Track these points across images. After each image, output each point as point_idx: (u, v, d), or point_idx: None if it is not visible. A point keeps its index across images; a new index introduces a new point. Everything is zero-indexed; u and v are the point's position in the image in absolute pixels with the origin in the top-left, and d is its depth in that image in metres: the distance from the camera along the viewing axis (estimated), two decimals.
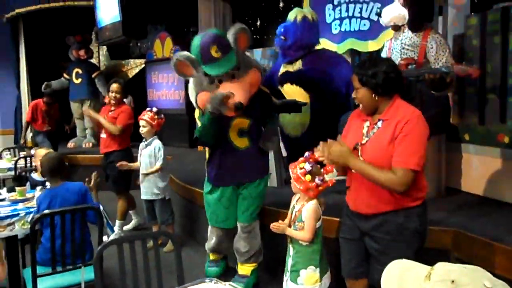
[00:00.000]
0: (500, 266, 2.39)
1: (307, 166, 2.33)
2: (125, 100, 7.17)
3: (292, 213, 2.48)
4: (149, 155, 3.80)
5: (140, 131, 3.83)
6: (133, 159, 4.19)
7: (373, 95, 1.99)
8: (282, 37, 4.05)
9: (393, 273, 1.04)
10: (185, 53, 2.67)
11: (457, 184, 3.65)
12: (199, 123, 2.91)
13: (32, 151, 4.55)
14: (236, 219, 3.07)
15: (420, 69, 3.18)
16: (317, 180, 2.32)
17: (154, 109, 3.86)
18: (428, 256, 2.34)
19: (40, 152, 3.65)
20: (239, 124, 2.85)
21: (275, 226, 2.44)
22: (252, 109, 2.79)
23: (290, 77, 3.90)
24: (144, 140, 3.86)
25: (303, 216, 2.37)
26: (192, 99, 2.81)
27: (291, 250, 2.45)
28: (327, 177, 2.35)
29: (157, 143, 3.81)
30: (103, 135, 4.22)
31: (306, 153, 2.37)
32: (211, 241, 3.18)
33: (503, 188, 3.24)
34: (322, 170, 2.36)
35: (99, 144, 4.16)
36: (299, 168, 2.35)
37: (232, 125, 2.83)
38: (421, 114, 1.96)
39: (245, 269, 3.08)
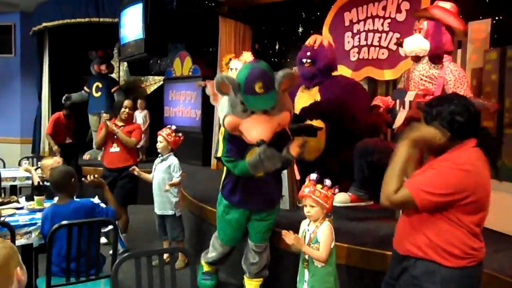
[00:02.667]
0: None
1: (328, 182, 2.41)
2: (141, 113, 7.35)
3: (305, 237, 2.49)
4: (164, 170, 3.86)
5: (157, 146, 3.92)
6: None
7: (437, 137, 1.76)
8: (309, 61, 4.12)
9: None
10: (230, 76, 2.67)
11: None
12: (221, 144, 2.93)
13: None
14: (240, 239, 3.16)
15: None
16: (336, 190, 2.44)
17: (173, 127, 3.94)
18: None
19: (47, 162, 3.71)
20: None
21: (296, 238, 2.38)
22: (270, 142, 2.70)
23: (307, 113, 3.97)
24: (160, 155, 3.93)
25: (318, 237, 2.38)
26: (221, 115, 2.76)
27: (306, 274, 2.44)
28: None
29: (173, 159, 3.86)
30: (115, 149, 4.27)
31: (313, 175, 2.43)
32: (212, 253, 3.27)
33: None
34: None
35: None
36: (320, 188, 2.40)
37: (250, 153, 2.80)
38: (464, 164, 1.70)
39: (252, 284, 3.13)
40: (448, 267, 1.69)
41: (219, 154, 2.95)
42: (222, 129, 2.91)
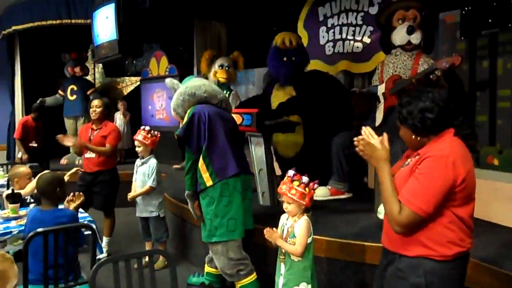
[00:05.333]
0: (488, 287, 2.41)
1: (305, 179, 2.41)
2: (121, 116, 7.25)
3: (283, 231, 2.50)
4: (144, 173, 3.82)
5: (136, 150, 3.88)
6: (119, 177, 4.29)
7: (413, 136, 1.79)
8: (293, 59, 4.15)
9: None
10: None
11: None
12: None
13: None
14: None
15: (407, 79, 3.27)
16: (303, 180, 2.40)
17: (147, 128, 3.87)
18: None
19: (18, 169, 3.61)
20: None
21: (268, 232, 2.45)
22: None
23: (284, 109, 3.99)
24: (140, 157, 3.88)
25: (295, 231, 2.40)
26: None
27: (282, 268, 2.46)
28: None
29: (153, 161, 3.82)
30: (90, 155, 4.07)
31: (291, 172, 2.44)
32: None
33: (492, 210, 3.28)
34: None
35: None
36: (297, 186, 2.40)
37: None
38: (449, 156, 1.66)
39: (236, 284, 3.09)
40: (432, 260, 1.69)
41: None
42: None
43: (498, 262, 2.47)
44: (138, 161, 3.91)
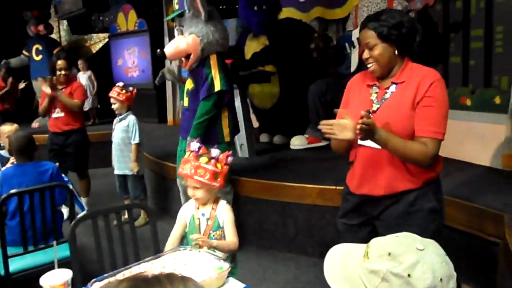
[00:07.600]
0: (463, 222, 2.51)
1: (215, 152, 1.83)
2: (84, 75, 7.01)
3: (199, 226, 1.89)
4: (123, 129, 3.75)
5: (113, 107, 3.78)
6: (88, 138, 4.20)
7: (395, 51, 1.66)
8: (264, 7, 4.03)
9: (335, 260, 1.00)
10: None
11: None
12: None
13: None
14: None
15: None
16: (213, 154, 1.82)
17: (120, 84, 3.78)
18: None
19: (5, 129, 3.52)
20: (188, 84, 3.12)
21: (200, 240, 1.78)
22: (196, 75, 3.01)
23: (258, 59, 3.91)
24: (118, 115, 3.80)
25: (219, 220, 1.88)
26: None
27: None
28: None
29: (131, 118, 3.75)
30: (58, 114, 3.91)
31: (195, 145, 1.84)
32: None
33: (466, 149, 3.37)
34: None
35: None
36: (205, 163, 1.80)
37: (186, 83, 3.15)
38: (441, 77, 1.67)
39: None
40: (434, 181, 1.73)
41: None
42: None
43: (471, 198, 2.56)
44: (116, 119, 3.83)
